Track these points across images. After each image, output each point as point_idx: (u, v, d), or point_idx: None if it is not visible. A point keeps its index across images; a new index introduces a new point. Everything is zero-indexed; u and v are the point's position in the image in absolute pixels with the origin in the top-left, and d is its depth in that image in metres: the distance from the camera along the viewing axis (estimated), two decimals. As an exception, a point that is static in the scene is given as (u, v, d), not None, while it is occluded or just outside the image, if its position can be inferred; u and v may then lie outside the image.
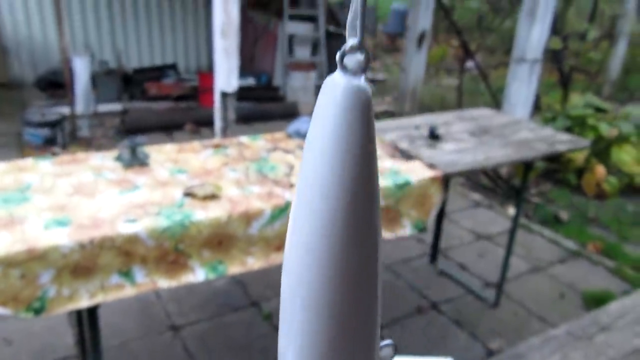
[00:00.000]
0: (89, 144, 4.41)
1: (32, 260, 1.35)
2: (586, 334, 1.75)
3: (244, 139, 2.29)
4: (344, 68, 0.33)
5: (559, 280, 3.08)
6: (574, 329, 1.77)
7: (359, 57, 0.33)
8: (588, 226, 3.74)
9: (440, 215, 3.10)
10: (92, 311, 1.60)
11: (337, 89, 0.33)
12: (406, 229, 2.02)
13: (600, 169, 4.12)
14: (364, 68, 0.33)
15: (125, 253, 1.48)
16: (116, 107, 5.24)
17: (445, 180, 2.09)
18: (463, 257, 3.25)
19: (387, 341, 0.40)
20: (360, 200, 0.32)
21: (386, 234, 1.97)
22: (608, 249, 3.41)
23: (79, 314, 2.04)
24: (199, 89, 5.69)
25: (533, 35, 4.00)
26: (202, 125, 5.02)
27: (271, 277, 2.83)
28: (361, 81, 0.33)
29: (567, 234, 3.61)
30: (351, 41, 0.32)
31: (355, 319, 0.34)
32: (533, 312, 2.76)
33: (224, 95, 3.19)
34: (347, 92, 0.32)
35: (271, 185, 1.82)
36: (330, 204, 0.32)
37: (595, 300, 2.83)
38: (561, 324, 1.99)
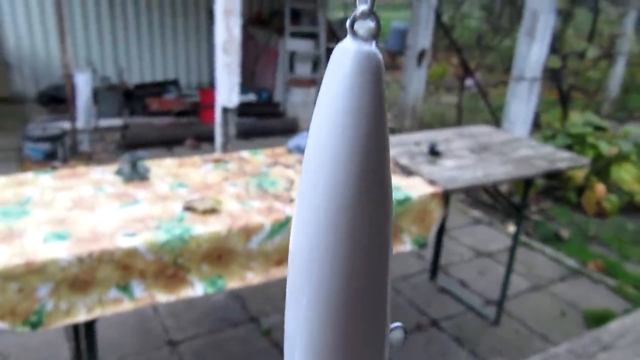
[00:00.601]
0: (89, 159, 4.42)
1: (30, 274, 1.34)
2: (587, 352, 1.73)
3: (244, 153, 2.29)
4: (354, 34, 0.32)
5: (560, 298, 3.06)
6: (575, 347, 1.75)
7: (370, 23, 0.32)
8: (589, 244, 3.73)
9: (441, 232, 3.09)
10: (90, 325, 1.58)
11: (347, 55, 0.32)
12: (406, 245, 2.02)
13: (600, 187, 4.12)
14: (374, 34, 0.32)
15: (123, 267, 1.47)
16: (117, 122, 5.25)
17: (446, 197, 2.09)
18: (463, 274, 3.24)
19: (397, 324, 0.39)
20: (373, 159, 0.32)
21: (386, 250, 1.96)
22: (609, 267, 3.40)
23: (76, 328, 2.02)
24: (200, 105, 5.72)
25: (532, 54, 4.03)
26: (202, 140, 5.04)
27: (270, 292, 2.81)
28: (372, 47, 0.32)
29: (568, 252, 3.59)
30: (361, 7, 0.32)
31: (365, 306, 0.33)
32: (534, 330, 2.74)
33: (225, 110, 3.20)
34: (358, 57, 0.32)
35: (271, 200, 1.82)
36: (342, 163, 0.31)
37: (597, 319, 2.81)
38: (562, 342, 1.97)
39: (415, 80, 5.54)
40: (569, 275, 3.31)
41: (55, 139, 4.07)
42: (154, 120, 5.49)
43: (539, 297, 3.06)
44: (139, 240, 1.48)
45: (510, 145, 2.68)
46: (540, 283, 3.20)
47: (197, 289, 1.59)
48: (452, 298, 2.96)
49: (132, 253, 1.46)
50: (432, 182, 2.10)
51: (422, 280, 3.13)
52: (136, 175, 1.91)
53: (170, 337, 2.49)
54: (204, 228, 1.58)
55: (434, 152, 2.43)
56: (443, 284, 3.08)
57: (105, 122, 5.14)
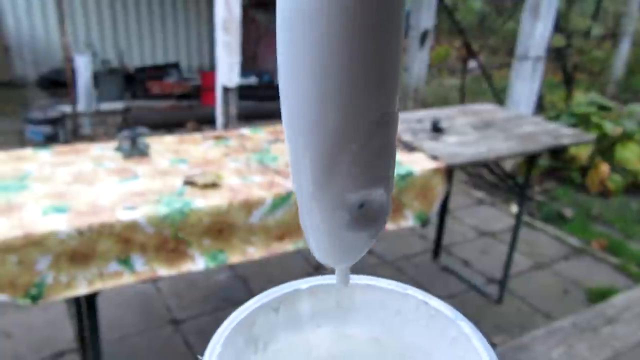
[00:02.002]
0: (90, 142, 4.40)
1: (29, 246, 1.33)
2: (591, 325, 1.72)
3: (245, 130, 2.27)
4: None
5: (563, 276, 3.05)
6: (579, 320, 1.74)
7: None
8: (592, 224, 3.71)
9: (443, 212, 3.08)
10: (91, 302, 1.58)
11: None
12: (409, 220, 2.00)
13: (604, 167, 4.09)
14: None
15: (124, 240, 1.46)
16: (118, 105, 5.23)
17: (449, 172, 2.07)
18: (466, 253, 3.23)
19: None
20: None
21: (388, 225, 1.95)
22: (612, 246, 3.38)
23: (78, 306, 2.02)
24: (201, 88, 5.68)
25: (536, 32, 3.98)
26: (204, 123, 5.01)
27: (273, 271, 2.81)
28: None
29: (571, 231, 3.58)
30: None
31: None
32: (537, 308, 2.74)
33: (226, 90, 3.18)
34: None
35: (272, 174, 1.81)
36: None
37: (600, 297, 2.80)
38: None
39: (417, 62, 5.49)
40: (572, 254, 3.30)
41: (56, 121, 4.06)
42: (155, 103, 5.47)
43: (541, 276, 3.05)
44: (139, 213, 1.47)
45: (514, 122, 2.65)
46: (543, 262, 3.19)
47: (198, 263, 1.58)
48: (454, 277, 2.95)
49: (132, 226, 1.45)
50: (434, 158, 2.08)
51: (424, 259, 3.12)
52: (136, 151, 1.89)
53: (173, 316, 2.50)
54: (204, 202, 1.57)
55: (436, 129, 2.41)
56: (446, 263, 3.08)
57: (106, 106, 5.12)
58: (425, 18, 5.34)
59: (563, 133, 2.53)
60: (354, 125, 0.31)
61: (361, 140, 0.31)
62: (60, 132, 4.13)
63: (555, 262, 3.20)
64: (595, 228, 3.65)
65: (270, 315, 0.34)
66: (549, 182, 4.32)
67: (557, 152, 4.25)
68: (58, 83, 5.56)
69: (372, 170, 0.32)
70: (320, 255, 0.36)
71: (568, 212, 3.78)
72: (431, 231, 3.21)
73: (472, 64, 6.21)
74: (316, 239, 0.35)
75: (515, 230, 2.65)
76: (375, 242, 0.36)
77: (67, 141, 4.24)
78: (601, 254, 3.30)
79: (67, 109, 4.51)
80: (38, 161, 1.77)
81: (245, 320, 0.33)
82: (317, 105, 0.30)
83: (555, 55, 4.91)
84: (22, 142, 4.28)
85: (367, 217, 0.33)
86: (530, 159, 2.58)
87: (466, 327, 0.32)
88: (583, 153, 4.16)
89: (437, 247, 3.12)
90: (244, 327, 0.33)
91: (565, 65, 5.06)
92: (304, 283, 0.35)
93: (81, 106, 4.56)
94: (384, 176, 0.33)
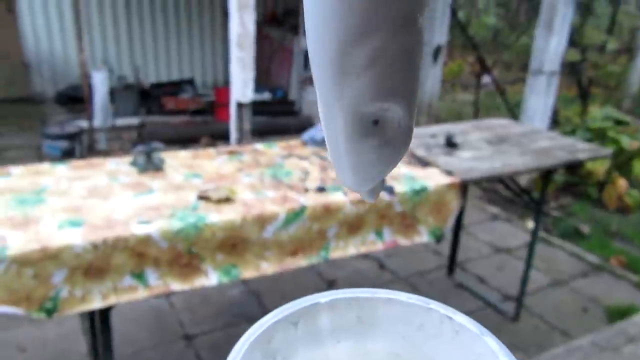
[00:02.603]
0: (106, 157, 4.44)
1: (45, 260, 1.34)
2: (612, 344, 1.68)
3: (258, 146, 2.28)
4: None
5: (581, 294, 2.99)
6: (598, 339, 1.71)
7: None
8: (610, 240, 3.65)
9: (457, 228, 3.05)
10: (105, 316, 1.58)
11: None
12: (423, 236, 1.98)
13: (621, 182, 4.03)
14: None
15: (138, 254, 1.46)
16: (133, 121, 5.29)
17: (463, 187, 2.05)
18: (481, 270, 3.19)
19: None
20: None
21: (402, 240, 1.93)
22: (632, 262, 3.32)
23: (92, 321, 2.02)
24: (215, 104, 5.73)
25: (550, 46, 3.97)
26: (218, 139, 5.04)
27: (286, 287, 2.79)
28: None
29: (589, 247, 3.52)
30: None
31: None
32: (555, 326, 2.68)
33: (240, 105, 3.20)
34: None
35: (286, 189, 1.80)
36: None
37: (620, 315, 2.74)
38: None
39: (431, 77, 5.49)
40: (590, 271, 3.24)
41: (72, 136, 4.11)
42: (170, 119, 5.52)
43: (559, 293, 2.99)
44: (153, 227, 1.47)
45: (529, 137, 2.63)
46: (560, 279, 3.13)
47: (211, 278, 1.58)
48: (470, 294, 2.91)
49: (146, 240, 1.45)
50: (449, 173, 2.06)
51: (439, 276, 3.09)
52: (151, 165, 1.90)
53: (186, 331, 2.49)
54: (218, 216, 1.57)
55: (450, 144, 2.40)
56: (460, 279, 3.04)
57: (121, 121, 5.18)
58: (438, 34, 5.35)
59: (579, 148, 2.50)
60: (371, 15, 0.29)
61: (378, 37, 0.29)
62: (77, 147, 4.18)
63: (573, 279, 3.14)
64: (614, 244, 3.59)
65: (289, 329, 0.33)
66: (565, 197, 4.27)
67: (573, 167, 4.20)
68: (75, 99, 5.65)
69: (388, 79, 0.31)
70: (337, 174, 0.35)
71: (585, 228, 3.72)
72: (445, 247, 3.18)
73: (485, 79, 6.20)
74: (331, 150, 0.33)
75: (531, 246, 2.61)
76: (393, 169, 0.34)
77: (83, 156, 4.29)
78: (620, 271, 3.23)
79: (83, 124, 4.57)
80: (55, 175, 1.79)
81: (263, 335, 0.32)
82: None
83: (570, 70, 4.88)
84: (39, 156, 4.34)
85: (381, 134, 0.31)
86: (546, 174, 2.55)
87: (493, 343, 0.30)
88: (600, 168, 4.11)
89: (452, 263, 3.09)
90: (262, 342, 0.32)
91: (580, 80, 5.02)
92: (323, 297, 0.34)
93: (97, 122, 4.62)
94: (402, 90, 0.31)
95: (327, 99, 0.32)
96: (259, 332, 0.32)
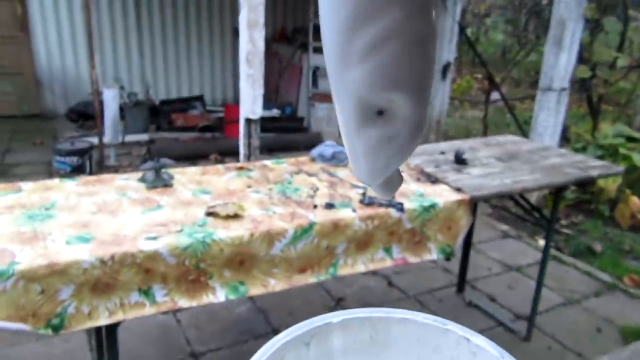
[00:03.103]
0: (116, 173, 4.47)
1: (52, 276, 1.34)
2: (628, 366, 1.64)
3: (267, 162, 2.28)
4: None
5: (595, 314, 2.93)
6: (614, 361, 1.66)
7: None
8: (624, 259, 3.59)
9: (467, 246, 3.01)
10: (112, 333, 1.57)
11: None
12: (433, 254, 1.96)
13: (635, 200, 3.98)
14: None
15: (146, 271, 1.45)
16: (143, 137, 5.33)
17: (473, 205, 2.03)
18: (492, 288, 3.14)
19: None
20: None
21: (412, 258, 1.91)
22: (646, 282, 3.26)
23: (98, 338, 2.01)
24: (225, 121, 5.76)
25: (560, 63, 3.96)
26: (227, 156, 5.06)
27: (294, 304, 2.77)
28: None
29: (602, 266, 3.46)
30: None
31: None
32: (568, 346, 2.63)
33: (249, 122, 3.21)
34: None
35: (295, 206, 1.79)
36: None
37: (636, 336, 2.68)
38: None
39: (440, 94, 5.50)
40: (604, 291, 3.19)
41: (83, 153, 4.14)
42: (180, 135, 5.55)
43: (572, 313, 2.94)
44: (161, 243, 1.47)
45: (540, 154, 2.61)
46: (573, 298, 3.08)
47: (219, 295, 1.56)
48: (480, 312, 2.87)
49: (154, 256, 1.45)
50: (458, 190, 2.04)
51: (449, 294, 3.05)
52: (160, 182, 1.90)
53: (193, 349, 2.46)
54: (226, 233, 1.56)
55: (460, 161, 2.38)
56: (471, 298, 2.99)
57: (131, 138, 5.21)
58: (447, 51, 5.37)
59: (591, 165, 2.47)
60: (373, 1, 0.28)
61: (381, 26, 0.28)
62: (87, 163, 4.20)
63: (586, 298, 3.09)
64: (627, 263, 3.53)
65: (302, 350, 0.32)
66: (577, 215, 4.22)
67: (585, 185, 4.16)
68: (86, 116, 5.70)
69: (393, 71, 0.29)
70: (350, 164, 0.33)
71: (598, 247, 3.67)
72: (455, 265, 3.14)
73: (494, 95, 6.19)
74: (344, 138, 0.32)
75: (542, 265, 2.58)
76: (404, 163, 0.33)
77: (93, 172, 4.31)
78: (634, 290, 3.18)
79: (94, 140, 4.61)
80: (64, 191, 1.80)
81: (275, 356, 0.31)
82: None
83: (580, 87, 4.86)
84: (50, 172, 4.37)
85: (385, 127, 0.30)
86: (557, 192, 2.52)
87: None
88: (612, 186, 4.06)
89: (462, 282, 3.05)
90: None
91: (590, 97, 5.00)
92: (335, 317, 0.33)
93: (108, 138, 4.66)
94: (408, 81, 0.30)
95: (334, 85, 0.31)
96: (271, 352, 0.31)
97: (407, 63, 0.29)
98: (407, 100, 0.30)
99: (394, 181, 0.35)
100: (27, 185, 1.83)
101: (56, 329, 1.37)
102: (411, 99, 0.30)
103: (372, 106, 0.31)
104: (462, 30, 5.45)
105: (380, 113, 0.30)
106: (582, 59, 4.65)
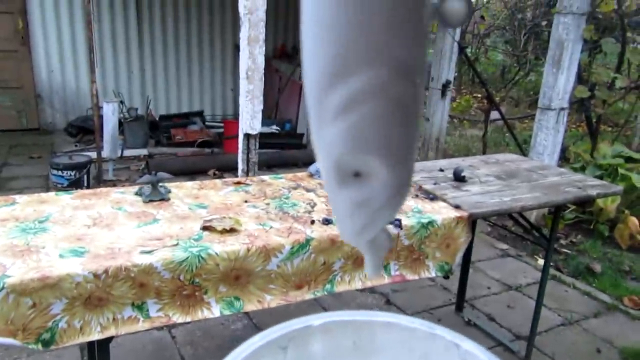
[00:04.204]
0: (113, 187, 4.45)
1: (44, 289, 1.31)
2: (629, 388, 1.61)
3: (265, 177, 2.27)
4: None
5: (595, 334, 2.90)
6: (614, 382, 1.63)
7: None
8: (623, 279, 3.56)
9: (466, 263, 2.99)
10: (104, 349, 1.54)
11: None
12: (431, 271, 1.94)
13: (633, 221, 3.97)
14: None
15: (139, 285, 1.43)
16: (142, 152, 5.32)
17: (471, 222, 2.01)
18: (491, 307, 3.11)
19: None
20: None
21: (409, 275, 1.89)
22: (646, 303, 3.23)
23: (90, 353, 1.97)
24: (224, 136, 5.77)
25: (559, 83, 3.97)
26: (226, 171, 5.05)
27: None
28: None
29: (601, 286, 3.43)
30: None
31: None
32: (567, 367, 2.59)
33: (247, 137, 3.21)
34: None
35: (292, 221, 1.78)
36: None
37: (636, 357, 2.65)
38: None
39: (439, 112, 5.52)
40: (603, 311, 3.15)
41: (80, 167, 4.13)
42: (178, 150, 5.55)
43: (571, 333, 2.91)
44: (156, 257, 1.45)
45: (538, 172, 2.60)
46: (572, 318, 3.05)
47: (214, 310, 1.54)
48: (479, 332, 2.84)
49: (148, 270, 1.43)
50: (457, 207, 2.03)
51: (447, 312, 3.02)
52: (156, 195, 1.89)
53: (187, 366, 2.42)
54: (222, 247, 1.54)
55: (459, 178, 2.37)
56: (469, 317, 2.96)
57: (130, 152, 5.21)
58: (446, 70, 5.40)
59: (589, 184, 2.46)
60: (349, 58, 0.27)
61: (357, 86, 0.27)
62: (84, 178, 4.19)
63: (586, 319, 3.06)
64: (627, 284, 3.50)
65: (278, 355, 0.30)
66: (576, 235, 4.20)
67: (584, 204, 4.15)
68: (85, 130, 5.71)
69: (368, 133, 0.27)
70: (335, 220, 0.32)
71: (597, 267, 3.65)
72: (454, 283, 3.12)
73: (494, 114, 6.21)
74: (326, 191, 0.31)
75: (541, 284, 2.55)
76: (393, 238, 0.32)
77: (90, 186, 4.30)
78: (634, 311, 3.14)
79: (92, 154, 4.60)
80: (59, 204, 1.78)
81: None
82: (321, 31, 0.27)
83: (579, 107, 4.88)
84: (47, 186, 4.36)
85: (359, 189, 0.28)
86: (556, 211, 2.51)
87: None
88: (611, 205, 4.05)
89: (461, 300, 3.02)
90: None
91: (589, 117, 5.02)
92: (316, 319, 0.31)
93: (106, 152, 4.65)
94: (383, 145, 0.28)
95: (314, 139, 0.30)
96: (242, 357, 0.29)
97: (383, 126, 0.28)
98: (383, 164, 0.29)
99: (380, 243, 0.33)
100: (21, 198, 1.82)
101: (46, 344, 1.34)
102: (387, 163, 0.29)
103: (347, 167, 0.29)
104: (462, 49, 5.49)
105: (357, 175, 0.29)
106: (580, 79, 4.68)
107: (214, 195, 1.99)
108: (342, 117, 0.28)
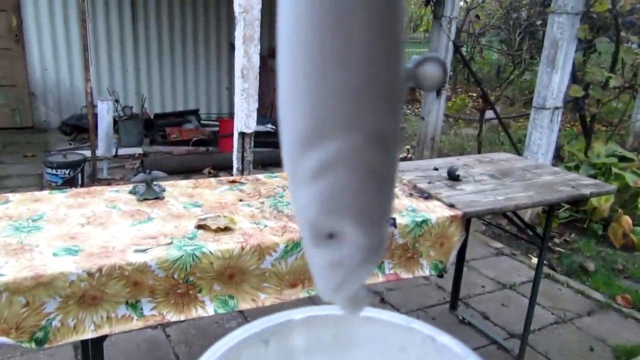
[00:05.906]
0: (108, 185, 4.44)
1: (37, 287, 1.31)
2: (621, 386, 1.62)
3: (260, 176, 2.27)
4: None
5: (588, 333, 2.92)
6: (607, 380, 1.65)
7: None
8: (616, 278, 3.58)
9: (460, 262, 3.00)
10: (98, 347, 1.53)
11: None
12: (425, 270, 1.95)
13: (627, 219, 3.99)
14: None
15: (133, 283, 1.43)
16: (137, 150, 5.31)
17: (466, 221, 2.02)
18: (485, 306, 3.12)
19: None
20: None
21: (404, 274, 1.89)
22: (639, 301, 3.25)
23: (84, 351, 1.97)
24: (219, 135, 5.76)
25: (553, 83, 3.99)
26: (221, 170, 5.05)
27: (285, 322, 2.73)
28: None
29: (595, 285, 3.45)
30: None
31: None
32: (561, 365, 2.61)
33: (242, 136, 3.20)
34: None
35: (286, 220, 1.78)
36: None
37: (629, 355, 2.66)
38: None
39: (434, 111, 5.53)
40: (597, 309, 3.17)
41: (74, 165, 4.12)
42: (173, 149, 5.54)
43: (565, 331, 2.92)
44: (150, 256, 1.45)
45: (533, 171, 2.61)
46: (566, 317, 3.06)
47: (208, 309, 1.54)
48: (473, 330, 2.85)
49: (142, 269, 1.43)
50: (451, 206, 2.04)
51: (441, 311, 3.03)
52: (151, 194, 1.89)
53: (181, 364, 2.42)
54: (216, 246, 1.54)
55: (453, 177, 2.38)
56: (463, 315, 2.97)
57: (125, 151, 5.20)
58: (442, 69, 5.40)
59: (583, 183, 2.48)
60: (323, 124, 0.27)
61: (332, 150, 0.27)
62: (78, 176, 4.18)
63: (579, 317, 3.07)
64: (620, 282, 3.52)
65: (259, 348, 0.30)
66: (570, 233, 4.22)
67: (578, 203, 4.17)
68: (80, 128, 5.69)
69: (341, 197, 0.28)
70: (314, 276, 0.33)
71: (590, 265, 3.66)
72: (448, 282, 3.13)
73: (489, 113, 6.23)
74: (304, 248, 0.32)
75: (535, 283, 2.56)
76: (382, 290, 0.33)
77: (84, 185, 4.29)
78: (627, 310, 3.16)
79: (87, 153, 4.59)
80: (53, 203, 1.78)
81: (228, 354, 0.29)
82: (296, 96, 0.28)
83: (573, 106, 4.90)
84: (41, 185, 4.34)
85: (333, 250, 0.29)
86: (550, 209, 2.52)
87: None
88: (604, 205, 4.07)
89: (455, 299, 3.03)
90: None
91: (583, 116, 5.04)
92: (298, 313, 0.31)
93: (100, 151, 4.63)
94: (356, 209, 0.29)
95: (291, 198, 0.31)
96: (223, 351, 0.29)
97: (357, 192, 0.29)
98: (357, 228, 0.29)
99: (358, 299, 0.34)
100: (14, 197, 1.81)
101: (40, 343, 1.34)
102: (361, 227, 0.29)
103: (321, 228, 0.30)
104: (457, 48, 5.50)
105: (331, 236, 0.30)
106: (575, 79, 4.70)
107: (208, 193, 1.99)
108: (316, 180, 0.28)
